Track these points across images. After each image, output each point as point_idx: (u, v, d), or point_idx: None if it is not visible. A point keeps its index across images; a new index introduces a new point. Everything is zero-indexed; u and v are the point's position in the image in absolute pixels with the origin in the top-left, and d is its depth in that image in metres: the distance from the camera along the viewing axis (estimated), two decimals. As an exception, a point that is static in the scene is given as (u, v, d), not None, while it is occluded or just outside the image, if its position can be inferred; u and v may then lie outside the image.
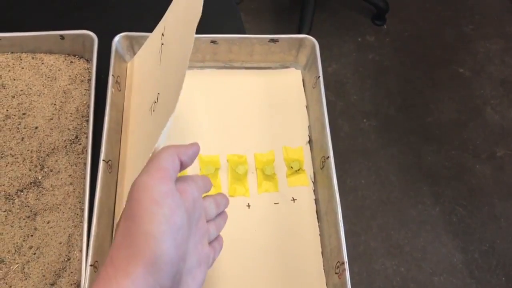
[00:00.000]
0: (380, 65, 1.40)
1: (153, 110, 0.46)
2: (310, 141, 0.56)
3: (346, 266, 0.45)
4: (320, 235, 0.50)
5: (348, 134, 1.24)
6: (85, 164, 0.51)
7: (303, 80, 0.59)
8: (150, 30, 0.57)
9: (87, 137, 0.52)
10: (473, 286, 1.14)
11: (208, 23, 0.59)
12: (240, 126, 0.57)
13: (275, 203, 0.52)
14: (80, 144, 0.53)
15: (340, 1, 1.44)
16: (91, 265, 0.44)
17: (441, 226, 1.21)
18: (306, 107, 0.57)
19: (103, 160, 0.49)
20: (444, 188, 1.25)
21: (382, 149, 1.28)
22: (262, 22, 1.23)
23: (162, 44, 0.51)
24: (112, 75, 0.54)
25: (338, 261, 0.46)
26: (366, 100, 1.32)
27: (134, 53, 0.59)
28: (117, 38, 0.56)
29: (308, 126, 0.56)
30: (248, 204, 0.53)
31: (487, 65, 1.38)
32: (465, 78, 1.37)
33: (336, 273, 0.46)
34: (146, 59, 0.57)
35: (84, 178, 0.50)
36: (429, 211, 1.23)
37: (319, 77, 0.55)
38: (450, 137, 1.32)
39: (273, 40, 0.58)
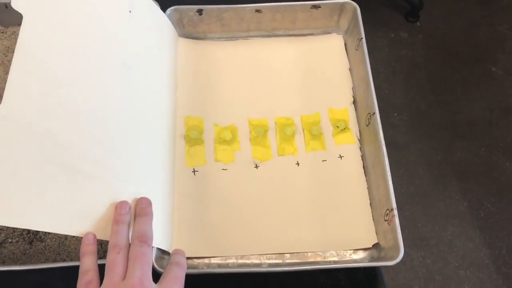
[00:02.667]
0: (412, 61, 1.43)
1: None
2: (354, 102, 0.60)
3: (395, 212, 0.48)
4: (368, 188, 0.54)
5: (379, 126, 1.27)
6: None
7: (345, 44, 0.63)
8: (196, 2, 0.62)
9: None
10: (499, 281, 1.16)
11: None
12: (286, 91, 0.61)
13: (322, 161, 0.57)
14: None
15: (374, -2, 1.48)
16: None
17: (469, 221, 1.23)
18: (349, 69, 0.61)
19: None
20: (473, 184, 1.27)
21: (411, 143, 1.31)
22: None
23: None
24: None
25: (387, 209, 0.49)
26: (398, 95, 1.35)
27: (184, 26, 0.63)
28: (168, 11, 0.61)
29: (352, 88, 0.60)
30: (297, 162, 0.57)
31: (520, 65, 1.40)
32: (497, 76, 1.39)
33: (385, 220, 0.50)
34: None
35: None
36: (457, 205, 1.25)
37: (362, 38, 0.59)
38: (480, 134, 1.34)
39: (315, 6, 0.62)
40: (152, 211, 0.46)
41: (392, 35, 1.43)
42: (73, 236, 0.51)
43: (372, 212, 0.53)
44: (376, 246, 0.52)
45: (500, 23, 1.44)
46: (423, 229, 1.20)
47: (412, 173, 1.26)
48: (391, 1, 1.47)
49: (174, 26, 0.63)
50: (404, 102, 1.34)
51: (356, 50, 0.60)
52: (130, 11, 0.52)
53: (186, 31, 0.64)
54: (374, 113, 0.54)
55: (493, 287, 1.15)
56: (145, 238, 0.43)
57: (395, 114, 1.32)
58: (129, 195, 0.46)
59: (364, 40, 0.59)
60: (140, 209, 0.45)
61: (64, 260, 0.51)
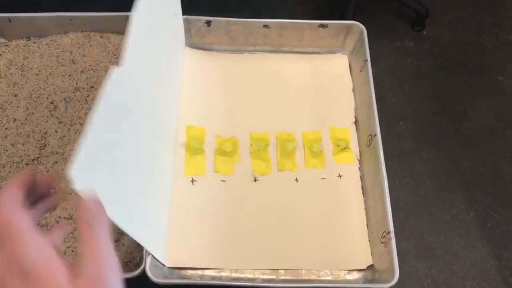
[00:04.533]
0: (418, 70, 1.41)
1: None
2: (356, 122, 0.59)
3: (392, 234, 0.48)
4: (365, 209, 0.53)
5: (384, 136, 1.24)
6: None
7: (349, 65, 0.63)
8: (203, 13, 0.61)
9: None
10: (506, 292, 1.14)
11: (260, 9, 0.63)
12: (288, 107, 0.60)
13: (321, 178, 0.56)
14: (142, 117, 0.58)
15: (380, 6, 1.47)
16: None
17: (475, 231, 1.22)
18: (353, 90, 0.60)
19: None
20: (479, 194, 1.26)
21: (417, 153, 1.29)
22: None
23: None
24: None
25: (384, 231, 0.49)
26: (403, 104, 1.34)
27: (191, 36, 0.63)
28: (177, 21, 0.61)
29: (354, 108, 0.59)
30: (296, 178, 0.56)
31: (527, 74, 1.38)
32: (504, 85, 1.38)
33: (382, 242, 0.49)
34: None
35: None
36: (463, 215, 1.23)
37: (367, 60, 0.58)
38: (486, 144, 1.32)
39: (322, 26, 0.62)
40: None
41: (398, 44, 1.41)
42: (72, 251, 0.50)
43: (368, 233, 0.52)
44: (371, 267, 0.51)
45: (507, 32, 1.42)
46: (429, 239, 1.19)
47: (418, 182, 1.25)
48: (397, 9, 1.46)
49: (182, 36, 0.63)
50: (410, 111, 1.33)
51: (361, 71, 0.59)
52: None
53: (193, 41, 0.64)
54: (375, 134, 0.53)
55: (499, 298, 1.14)
56: None
57: (401, 123, 1.31)
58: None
59: (369, 62, 0.58)
60: None
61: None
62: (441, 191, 1.23)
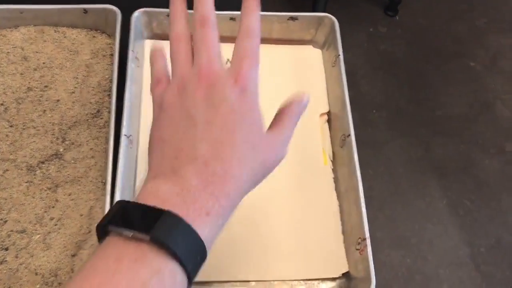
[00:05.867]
0: (392, 57, 1.39)
1: None
2: (328, 121, 0.56)
3: (368, 241, 0.45)
4: (340, 213, 0.50)
5: (357, 124, 1.22)
6: (106, 138, 0.51)
7: (322, 59, 0.59)
8: (166, 5, 0.57)
9: (109, 112, 0.52)
10: (478, 279, 1.15)
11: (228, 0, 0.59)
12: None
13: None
14: (102, 118, 0.53)
15: (353, -9, 1.43)
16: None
17: (448, 219, 1.22)
18: (326, 85, 0.57)
19: (125, 135, 0.49)
20: (452, 181, 1.26)
21: (391, 141, 1.28)
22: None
23: None
24: (132, 50, 0.54)
25: (360, 237, 0.46)
26: (377, 91, 1.32)
27: (152, 30, 0.58)
28: (136, 14, 0.56)
29: (327, 105, 0.56)
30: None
31: (499, 60, 1.38)
32: (476, 72, 1.37)
33: (357, 249, 0.46)
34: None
35: (106, 152, 0.50)
36: (436, 203, 1.23)
37: (339, 55, 0.55)
38: (459, 131, 1.32)
39: (292, 18, 0.58)
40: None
41: (371, 30, 1.39)
42: (25, 268, 0.46)
43: (344, 238, 0.50)
44: (346, 275, 0.49)
45: (479, 17, 1.41)
46: (403, 228, 1.18)
47: (392, 171, 1.24)
48: (370, -6, 1.43)
49: (143, 29, 0.58)
50: (383, 98, 1.31)
51: (333, 66, 0.56)
52: None
53: (154, 35, 0.60)
54: (349, 134, 0.50)
55: (472, 285, 1.14)
56: (206, 20, 0.38)
57: (374, 111, 1.29)
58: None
59: (341, 57, 0.54)
60: None
61: (17, 294, 0.46)
62: (414, 179, 1.22)
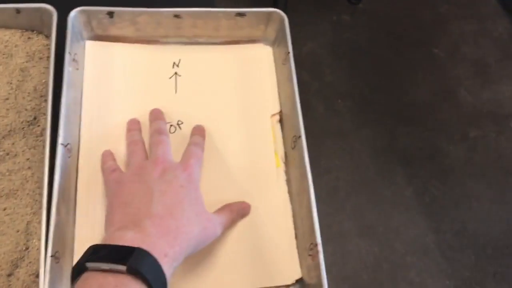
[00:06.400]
0: (356, 45, 1.38)
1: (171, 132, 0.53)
2: (280, 120, 0.54)
3: (320, 247, 0.43)
4: (293, 217, 0.48)
5: (323, 114, 1.22)
6: (44, 147, 0.48)
7: (272, 56, 0.57)
8: (112, 4, 0.54)
9: (46, 119, 0.49)
10: (444, 265, 1.16)
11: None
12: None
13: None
14: (39, 125, 0.50)
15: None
16: (51, 256, 0.42)
17: (414, 207, 1.22)
18: (276, 84, 0.55)
19: (61, 144, 0.46)
20: (418, 169, 1.26)
21: (356, 130, 1.27)
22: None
23: (176, 73, 0.52)
24: (69, 52, 0.51)
25: (312, 243, 0.44)
26: (341, 81, 1.31)
27: (92, 30, 0.55)
28: (73, 13, 0.52)
29: (279, 104, 0.54)
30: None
31: (461, 46, 1.38)
32: (439, 59, 1.37)
33: (309, 255, 0.45)
34: (136, 71, 0.54)
35: (43, 162, 0.47)
36: (402, 192, 1.23)
37: (289, 53, 0.53)
38: (424, 118, 1.32)
39: (240, 14, 0.55)
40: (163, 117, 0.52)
41: (335, 18, 1.37)
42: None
43: (297, 243, 0.48)
44: (300, 281, 0.47)
45: (441, 4, 1.41)
46: (370, 217, 1.18)
47: (358, 161, 1.23)
48: (333, -19, 1.41)
49: (81, 29, 0.55)
50: (348, 88, 1.29)
51: (284, 64, 0.54)
52: None
53: (95, 35, 0.56)
54: (299, 136, 0.48)
55: (438, 271, 1.15)
56: (162, 131, 0.50)
57: (339, 101, 1.27)
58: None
59: (291, 54, 0.52)
60: (152, 114, 0.52)
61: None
62: (380, 168, 1.22)
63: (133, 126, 0.51)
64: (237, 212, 0.48)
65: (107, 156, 0.49)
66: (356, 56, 1.38)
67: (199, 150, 0.49)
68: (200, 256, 0.47)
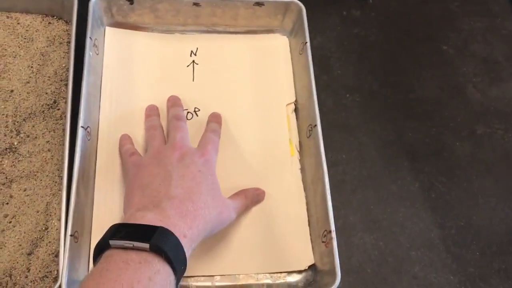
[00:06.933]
0: (365, 40, 1.38)
1: (188, 119, 0.54)
2: (296, 110, 0.55)
3: (333, 234, 0.44)
4: (306, 204, 0.49)
5: (331, 108, 1.23)
6: (63, 130, 0.49)
7: (289, 46, 0.58)
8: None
9: (65, 102, 0.50)
10: (449, 260, 1.16)
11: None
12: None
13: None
14: (59, 109, 0.51)
15: (326, -27, 1.41)
16: (71, 235, 0.43)
17: (420, 201, 1.23)
18: (292, 74, 0.56)
19: (82, 127, 0.47)
20: (424, 164, 1.26)
21: (364, 125, 1.27)
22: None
23: (193, 62, 0.53)
24: (90, 37, 0.52)
25: (325, 230, 0.45)
26: (350, 75, 1.31)
27: (112, 16, 0.56)
28: (93, -1, 0.54)
29: (294, 94, 0.55)
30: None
31: (470, 43, 1.38)
32: (448, 55, 1.37)
33: (323, 242, 0.46)
34: (155, 58, 0.55)
35: (63, 145, 0.48)
36: (408, 186, 1.23)
37: (306, 43, 0.53)
38: (431, 114, 1.32)
39: (258, 3, 0.56)
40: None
41: (345, 13, 1.37)
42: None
43: (310, 231, 0.49)
44: (312, 267, 0.48)
45: (452, 0, 1.40)
46: (375, 211, 1.18)
47: (365, 155, 1.23)
48: (343, -24, 1.41)
49: (102, 15, 0.55)
50: (357, 82, 1.30)
51: (300, 54, 0.55)
52: None
53: (115, 21, 0.57)
54: (315, 125, 0.49)
55: (442, 266, 1.15)
56: (179, 117, 0.52)
57: (348, 95, 1.28)
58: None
59: (308, 45, 0.53)
60: (170, 101, 0.54)
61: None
62: (387, 163, 1.22)
63: (152, 111, 0.53)
64: (251, 198, 0.50)
65: (125, 140, 0.51)
66: (365, 51, 1.38)
67: (215, 137, 0.51)
68: (215, 239, 0.48)
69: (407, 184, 1.23)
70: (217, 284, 0.47)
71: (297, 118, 0.54)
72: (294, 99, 0.55)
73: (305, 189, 0.51)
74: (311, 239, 0.49)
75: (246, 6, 0.56)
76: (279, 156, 0.53)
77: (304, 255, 0.49)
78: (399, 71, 1.32)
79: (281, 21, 0.58)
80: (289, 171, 0.52)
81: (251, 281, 0.48)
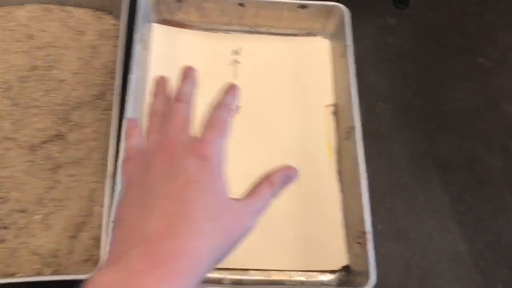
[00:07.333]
0: (400, 49, 1.38)
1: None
2: (335, 112, 0.56)
3: (370, 236, 0.45)
4: (342, 205, 0.50)
5: (363, 116, 1.22)
6: (109, 121, 0.51)
7: (330, 49, 0.59)
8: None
9: (112, 94, 0.52)
10: (477, 276, 1.15)
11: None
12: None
13: None
14: (105, 100, 0.53)
15: (362, -20, 1.41)
16: (112, 222, 0.45)
17: (449, 214, 1.21)
18: (332, 76, 0.57)
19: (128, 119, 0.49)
20: (455, 177, 1.25)
21: (395, 134, 1.27)
22: None
23: (236, 61, 0.54)
24: (138, 33, 0.54)
25: (361, 231, 0.46)
26: (383, 84, 1.31)
27: (159, 13, 0.58)
28: (143, -5, 0.56)
29: (334, 96, 0.56)
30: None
31: (508, 56, 1.37)
32: (484, 68, 1.36)
33: (358, 243, 0.46)
34: (199, 55, 0.57)
35: (108, 135, 0.50)
36: (437, 198, 1.22)
37: (349, 46, 0.54)
38: (464, 127, 1.31)
39: (302, 6, 0.58)
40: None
41: (380, 21, 1.37)
42: (25, 247, 0.46)
43: (345, 232, 0.50)
44: (346, 268, 0.49)
45: (490, 12, 1.39)
46: (403, 222, 1.17)
47: (394, 164, 1.23)
48: (380, -16, 1.41)
49: (149, 12, 0.58)
50: (390, 91, 1.29)
51: (341, 57, 0.56)
52: None
53: (161, 18, 0.59)
54: (354, 127, 0.50)
55: (469, 280, 1.14)
56: (181, 97, 0.42)
57: (380, 103, 1.27)
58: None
59: (351, 48, 0.54)
60: (183, 74, 0.45)
61: (13, 274, 0.46)
62: (417, 173, 1.22)
63: (159, 88, 0.45)
64: (279, 182, 0.41)
65: (132, 134, 0.43)
66: (399, 60, 1.38)
67: (225, 115, 0.41)
68: (253, 235, 0.49)
69: (436, 196, 1.22)
70: (251, 278, 0.48)
71: (336, 121, 0.55)
72: (333, 101, 0.56)
73: (341, 191, 0.52)
74: (346, 240, 0.50)
75: (290, 8, 0.58)
76: (316, 156, 0.54)
77: (337, 255, 0.50)
78: (433, 81, 1.31)
79: (323, 24, 0.59)
80: (326, 172, 0.53)
81: (284, 277, 0.49)
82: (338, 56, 0.57)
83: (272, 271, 0.49)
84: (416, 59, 1.45)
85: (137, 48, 0.53)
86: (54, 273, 0.46)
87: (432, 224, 1.23)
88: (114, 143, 0.48)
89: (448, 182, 1.27)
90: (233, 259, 0.48)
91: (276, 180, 0.40)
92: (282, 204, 0.51)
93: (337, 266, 0.49)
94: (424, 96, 1.38)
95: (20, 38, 0.54)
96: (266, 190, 0.39)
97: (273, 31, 0.61)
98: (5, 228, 0.46)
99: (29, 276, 0.45)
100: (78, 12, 0.57)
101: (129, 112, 0.50)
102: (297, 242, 0.50)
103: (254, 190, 0.40)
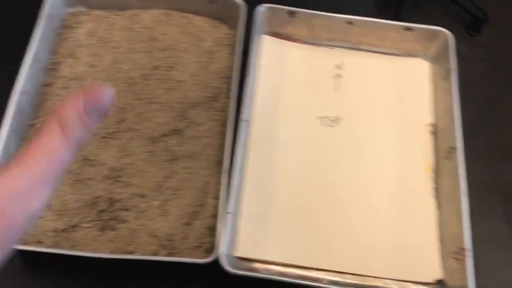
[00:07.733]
0: (469, 76, 1.37)
1: (328, 125, 0.54)
2: (434, 131, 0.58)
3: (470, 252, 0.47)
4: (438, 222, 0.53)
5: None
6: (221, 121, 0.56)
7: (430, 71, 0.62)
8: (289, 4, 0.60)
9: (225, 97, 0.56)
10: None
11: (341, 3, 0.62)
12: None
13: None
14: (218, 102, 0.58)
15: (436, 5, 1.43)
16: (229, 213, 0.49)
17: (510, 246, 1.20)
18: (432, 98, 0.60)
19: (245, 120, 0.53)
20: (519, 208, 1.23)
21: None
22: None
23: (339, 75, 0.57)
24: (253, 43, 0.58)
25: (460, 247, 0.48)
26: (451, 109, 1.31)
27: (271, 25, 0.62)
28: (261, 8, 0.61)
29: (432, 117, 0.58)
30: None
31: None
32: (555, 102, 1.34)
33: (455, 258, 0.49)
34: (303, 67, 0.61)
35: (222, 134, 0.54)
36: (499, 230, 1.21)
37: (453, 69, 0.57)
38: (531, 158, 1.29)
39: (408, 28, 0.61)
40: None
41: (451, 48, 1.38)
42: (144, 229, 0.51)
43: (440, 246, 0.52)
44: (441, 282, 0.51)
45: None
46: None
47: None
48: (453, 10, 1.42)
49: (262, 24, 0.62)
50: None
51: (444, 80, 0.59)
52: None
53: (272, 31, 0.64)
54: (457, 148, 0.53)
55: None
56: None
57: (446, 129, 1.28)
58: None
59: (455, 72, 0.57)
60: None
61: (132, 252, 0.51)
62: (479, 202, 1.20)
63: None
64: (74, 124, 0.28)
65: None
66: (468, 87, 1.37)
67: (56, 142, 0.27)
68: (349, 237, 0.52)
69: (498, 227, 1.21)
70: (347, 281, 0.51)
71: (435, 140, 0.57)
72: (431, 120, 0.59)
73: (438, 207, 0.54)
74: (441, 255, 0.52)
75: (396, 30, 0.61)
76: (413, 172, 0.57)
77: (432, 268, 0.52)
78: (501, 111, 1.31)
79: (426, 46, 0.62)
80: (422, 188, 0.56)
81: (379, 284, 0.51)
82: (439, 78, 0.60)
83: (368, 277, 0.51)
84: (485, 87, 1.44)
85: (253, 56, 0.57)
86: (168, 255, 0.50)
87: (492, 256, 1.20)
88: (230, 142, 0.53)
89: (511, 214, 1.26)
90: (332, 261, 0.51)
91: (68, 119, 0.27)
92: (380, 215, 0.54)
93: (431, 279, 0.51)
94: (491, 125, 1.36)
95: (144, 39, 0.60)
96: (48, 143, 0.26)
97: (375, 49, 0.64)
98: (126, 210, 0.51)
99: (146, 255, 0.49)
100: (197, 19, 0.62)
101: (245, 114, 0.54)
102: (393, 252, 0.53)
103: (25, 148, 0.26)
